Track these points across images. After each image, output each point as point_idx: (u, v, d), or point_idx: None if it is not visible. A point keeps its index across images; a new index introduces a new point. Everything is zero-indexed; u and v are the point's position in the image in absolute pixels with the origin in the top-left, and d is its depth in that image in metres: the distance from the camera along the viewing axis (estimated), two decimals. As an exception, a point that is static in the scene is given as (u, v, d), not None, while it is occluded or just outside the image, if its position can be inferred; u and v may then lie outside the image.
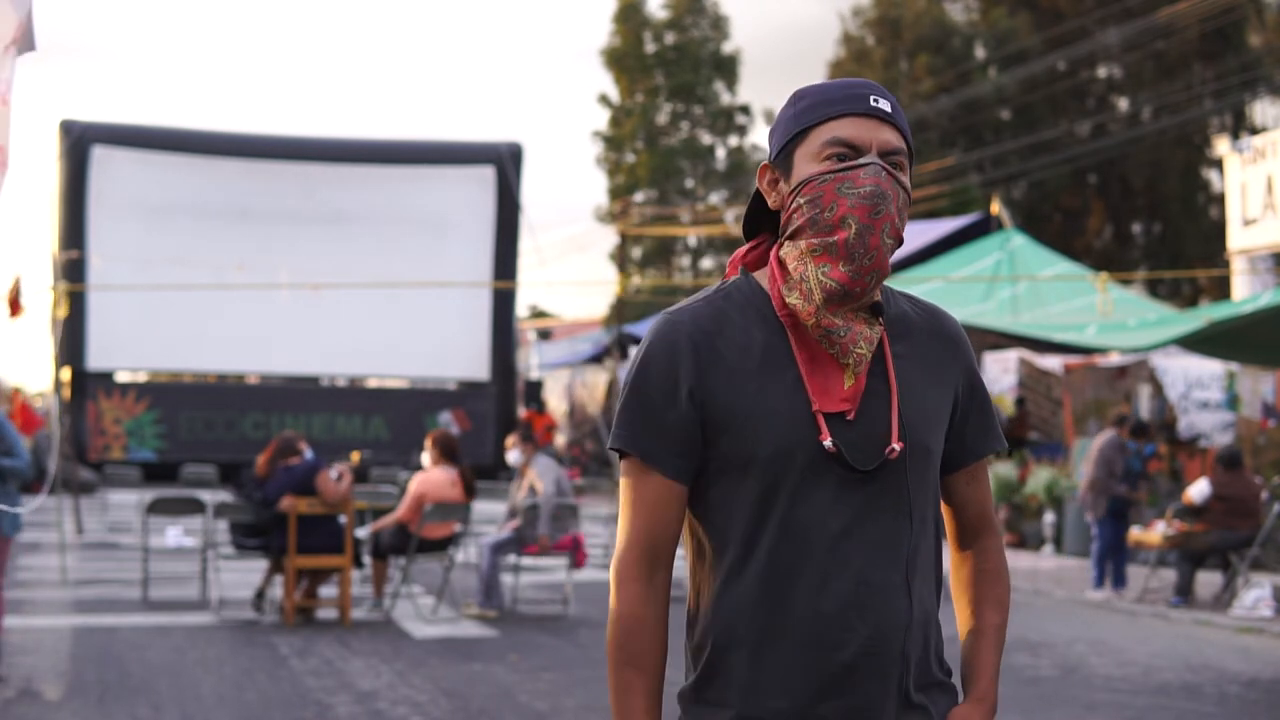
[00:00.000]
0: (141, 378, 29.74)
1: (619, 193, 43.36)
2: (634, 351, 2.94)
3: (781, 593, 2.11)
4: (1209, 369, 17.33)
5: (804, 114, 2.17)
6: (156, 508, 11.92)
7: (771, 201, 2.22)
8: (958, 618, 2.34)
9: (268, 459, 10.81)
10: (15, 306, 7.40)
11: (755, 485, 2.13)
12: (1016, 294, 18.91)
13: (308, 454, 11.04)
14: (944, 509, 2.34)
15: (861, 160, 2.11)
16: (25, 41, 3.40)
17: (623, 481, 2.20)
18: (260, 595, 10.93)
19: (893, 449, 2.12)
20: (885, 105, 2.15)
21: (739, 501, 2.14)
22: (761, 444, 2.11)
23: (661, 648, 2.19)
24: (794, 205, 2.15)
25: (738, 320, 2.18)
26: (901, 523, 2.14)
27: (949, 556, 2.39)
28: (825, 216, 2.11)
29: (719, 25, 45.26)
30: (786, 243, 2.19)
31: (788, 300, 2.15)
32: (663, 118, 45.76)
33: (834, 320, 2.12)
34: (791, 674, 2.11)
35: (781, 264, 2.19)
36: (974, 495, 2.33)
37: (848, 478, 2.11)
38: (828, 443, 2.10)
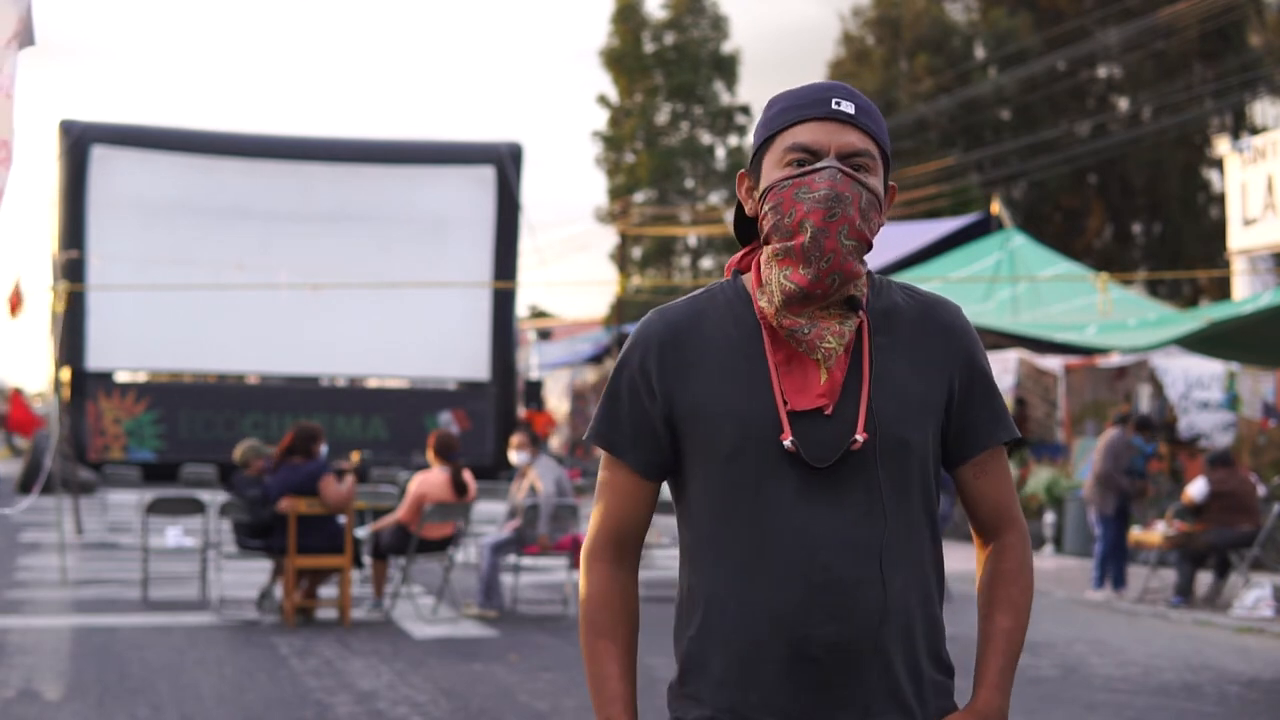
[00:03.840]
0: (141, 378, 29.71)
1: (619, 193, 43.38)
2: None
3: (748, 589, 2.12)
4: (1209, 369, 17.30)
5: (770, 121, 2.21)
6: (156, 508, 11.91)
7: (748, 208, 2.26)
8: (977, 620, 2.29)
9: (282, 450, 10.73)
10: (15, 305, 7.44)
11: (720, 483, 2.16)
12: (1016, 294, 18.92)
13: (322, 452, 10.95)
14: (964, 505, 2.30)
15: (818, 165, 2.13)
16: (25, 36, 3.42)
17: (599, 472, 2.26)
18: (266, 596, 10.93)
19: (855, 440, 2.12)
20: (848, 107, 2.16)
21: (707, 498, 2.17)
22: (723, 442, 2.15)
23: (631, 621, 2.23)
24: (763, 212, 2.19)
25: (715, 320, 2.21)
26: (874, 517, 2.12)
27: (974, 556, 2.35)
28: (785, 222, 2.14)
29: (719, 25, 45.28)
30: (764, 247, 2.22)
31: (759, 303, 2.19)
32: (662, 118, 45.78)
33: (796, 320, 2.15)
34: (763, 669, 2.12)
35: (759, 268, 2.22)
36: (986, 489, 2.26)
37: (811, 474, 2.12)
38: (787, 442, 2.11)
